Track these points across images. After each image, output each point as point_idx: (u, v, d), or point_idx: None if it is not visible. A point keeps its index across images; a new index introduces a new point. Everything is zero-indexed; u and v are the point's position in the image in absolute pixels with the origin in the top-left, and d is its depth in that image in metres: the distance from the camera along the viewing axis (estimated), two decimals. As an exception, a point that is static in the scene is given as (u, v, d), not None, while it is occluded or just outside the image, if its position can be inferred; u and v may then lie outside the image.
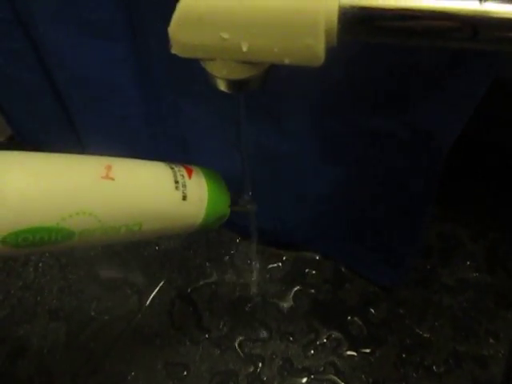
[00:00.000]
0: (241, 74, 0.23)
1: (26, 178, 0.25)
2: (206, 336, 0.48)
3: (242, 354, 0.47)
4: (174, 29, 0.22)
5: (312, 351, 0.47)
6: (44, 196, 0.25)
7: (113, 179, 0.27)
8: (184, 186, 0.31)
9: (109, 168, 0.28)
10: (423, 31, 0.18)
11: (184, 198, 0.31)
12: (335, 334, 0.48)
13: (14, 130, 0.58)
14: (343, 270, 0.52)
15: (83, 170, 0.27)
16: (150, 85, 0.43)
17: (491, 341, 0.47)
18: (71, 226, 0.26)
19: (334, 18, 0.19)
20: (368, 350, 0.47)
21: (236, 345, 0.48)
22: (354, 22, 0.19)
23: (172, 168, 0.31)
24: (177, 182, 0.31)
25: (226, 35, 0.21)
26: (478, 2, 0.17)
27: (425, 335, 0.47)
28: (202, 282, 0.52)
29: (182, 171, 0.32)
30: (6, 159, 0.25)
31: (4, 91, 0.52)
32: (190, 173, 0.32)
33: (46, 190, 0.25)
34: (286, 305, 0.50)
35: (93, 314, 0.50)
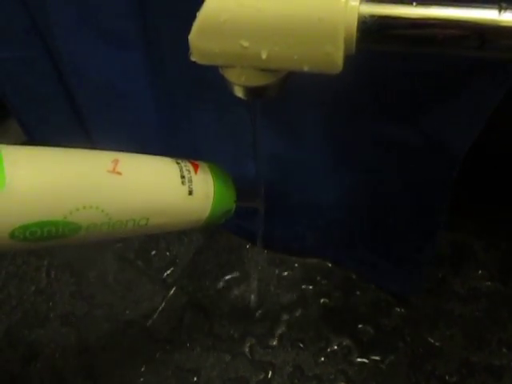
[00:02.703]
0: (259, 81, 0.23)
1: (34, 172, 0.25)
2: (217, 342, 0.48)
3: (252, 360, 0.47)
4: (194, 37, 0.22)
5: (323, 358, 0.47)
6: (51, 190, 0.25)
7: (120, 173, 0.27)
8: (190, 180, 0.31)
9: (116, 162, 0.28)
10: (443, 40, 0.19)
11: (190, 192, 0.31)
12: (346, 342, 0.48)
13: (27, 136, 0.59)
14: (354, 277, 0.52)
15: (90, 164, 0.27)
16: (163, 92, 0.43)
17: (504, 351, 0.46)
18: (78, 220, 0.26)
19: (354, 26, 0.19)
20: (379, 358, 0.47)
21: (247, 351, 0.48)
22: (372, 30, 0.19)
23: (178, 163, 0.32)
24: (183, 176, 0.31)
25: (245, 43, 0.21)
26: (496, 12, 0.18)
27: (437, 344, 0.47)
28: (212, 289, 0.52)
29: (188, 166, 0.32)
30: (13, 153, 0.25)
31: (19, 97, 0.53)
32: (196, 168, 0.32)
33: (54, 184, 0.25)
34: (296, 312, 0.50)
35: (104, 319, 0.50)
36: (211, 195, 0.32)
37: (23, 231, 0.24)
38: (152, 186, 0.30)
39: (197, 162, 0.33)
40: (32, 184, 0.24)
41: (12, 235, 0.24)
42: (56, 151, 0.27)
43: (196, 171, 0.32)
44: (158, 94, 0.43)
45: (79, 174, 0.27)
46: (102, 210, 0.27)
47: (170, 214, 0.31)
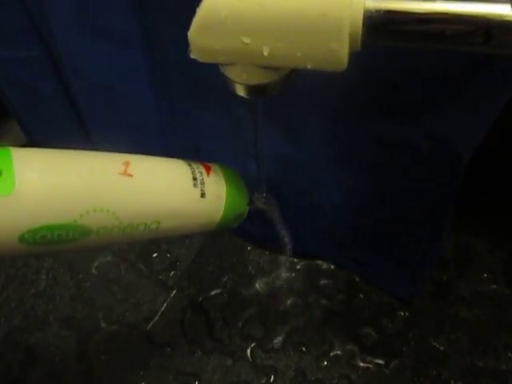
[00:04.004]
0: (261, 79, 0.23)
1: (44, 175, 0.24)
2: (218, 346, 0.48)
3: (254, 364, 0.47)
4: (194, 33, 0.21)
5: (325, 362, 0.47)
6: (61, 193, 0.25)
7: (131, 176, 0.27)
8: (202, 183, 0.31)
9: (127, 164, 0.27)
10: (453, 36, 0.18)
11: (202, 195, 0.30)
12: (349, 346, 0.47)
13: (27, 137, 0.59)
14: (357, 280, 0.51)
15: (101, 167, 0.27)
16: (164, 93, 0.43)
17: (510, 355, 0.46)
18: (89, 224, 0.25)
19: (359, 21, 0.19)
20: (383, 362, 0.46)
21: (248, 355, 0.47)
22: (378, 25, 0.19)
23: (190, 165, 0.31)
24: (195, 179, 0.30)
25: (247, 40, 0.20)
26: (509, 7, 0.17)
27: (441, 348, 0.46)
28: (213, 291, 0.51)
29: (200, 168, 0.31)
30: (23, 156, 0.24)
31: (19, 98, 0.52)
32: (208, 170, 0.32)
33: (64, 187, 0.25)
34: (298, 315, 0.49)
35: (104, 322, 0.50)
36: (223, 198, 0.32)
37: (33, 235, 0.24)
38: (163, 188, 0.29)
39: (209, 164, 0.33)
40: (42, 187, 0.24)
41: (21, 239, 0.24)
42: (66, 153, 0.27)
43: (208, 173, 0.32)
44: (159, 94, 0.43)
45: (90, 177, 0.26)
46: (113, 213, 0.26)
47: (182, 217, 0.30)
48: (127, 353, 0.48)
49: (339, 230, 0.48)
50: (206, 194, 0.31)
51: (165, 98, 0.43)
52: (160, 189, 0.29)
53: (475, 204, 0.50)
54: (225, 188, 0.32)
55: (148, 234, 0.29)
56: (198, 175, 0.31)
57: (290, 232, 0.49)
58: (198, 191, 0.30)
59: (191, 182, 0.30)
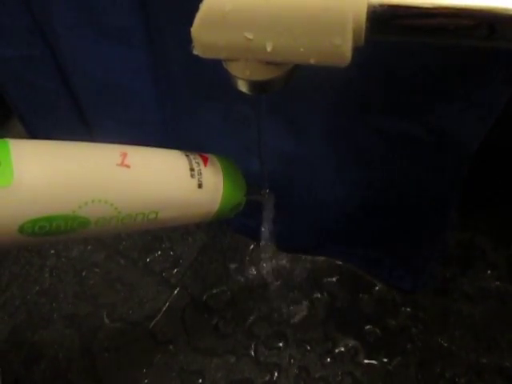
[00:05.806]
0: (264, 74, 0.22)
1: (42, 166, 0.25)
2: (222, 343, 0.48)
3: (258, 361, 0.47)
4: (197, 29, 0.21)
5: (329, 360, 0.46)
6: (60, 184, 0.25)
7: (128, 166, 0.27)
8: (200, 173, 0.31)
9: (124, 155, 0.27)
10: (455, 30, 0.18)
11: (200, 185, 0.31)
12: (353, 343, 0.47)
13: (30, 135, 0.59)
14: (361, 276, 0.51)
15: (99, 158, 0.27)
16: (166, 91, 0.42)
17: (514, 352, 0.46)
18: (87, 214, 0.26)
19: (363, 16, 0.18)
20: (386, 359, 0.46)
21: (252, 352, 0.47)
22: (382, 20, 0.18)
23: (187, 156, 0.31)
24: (192, 169, 0.31)
25: (250, 35, 0.20)
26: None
27: (445, 345, 0.46)
28: (216, 289, 0.51)
29: (197, 159, 0.32)
30: (21, 147, 0.25)
31: (21, 96, 0.52)
32: (205, 161, 0.32)
33: (62, 178, 0.25)
34: (302, 312, 0.49)
35: (107, 320, 0.50)
36: (221, 188, 0.32)
37: (32, 226, 0.24)
38: (161, 178, 0.30)
39: (206, 155, 0.33)
40: (40, 178, 0.24)
41: (21, 230, 0.24)
42: (64, 145, 0.27)
43: (205, 164, 0.32)
44: (161, 92, 0.43)
45: (88, 168, 0.26)
46: (111, 204, 0.26)
47: (180, 208, 0.31)
48: (130, 350, 0.48)
49: (342, 225, 0.48)
50: (204, 184, 0.31)
51: (167, 96, 0.43)
52: (157, 179, 0.29)
53: (479, 201, 0.50)
54: (222, 178, 0.32)
55: (146, 225, 0.29)
56: (195, 166, 0.31)
57: (293, 229, 0.50)
58: (195, 182, 0.30)
59: (188, 173, 0.30)
